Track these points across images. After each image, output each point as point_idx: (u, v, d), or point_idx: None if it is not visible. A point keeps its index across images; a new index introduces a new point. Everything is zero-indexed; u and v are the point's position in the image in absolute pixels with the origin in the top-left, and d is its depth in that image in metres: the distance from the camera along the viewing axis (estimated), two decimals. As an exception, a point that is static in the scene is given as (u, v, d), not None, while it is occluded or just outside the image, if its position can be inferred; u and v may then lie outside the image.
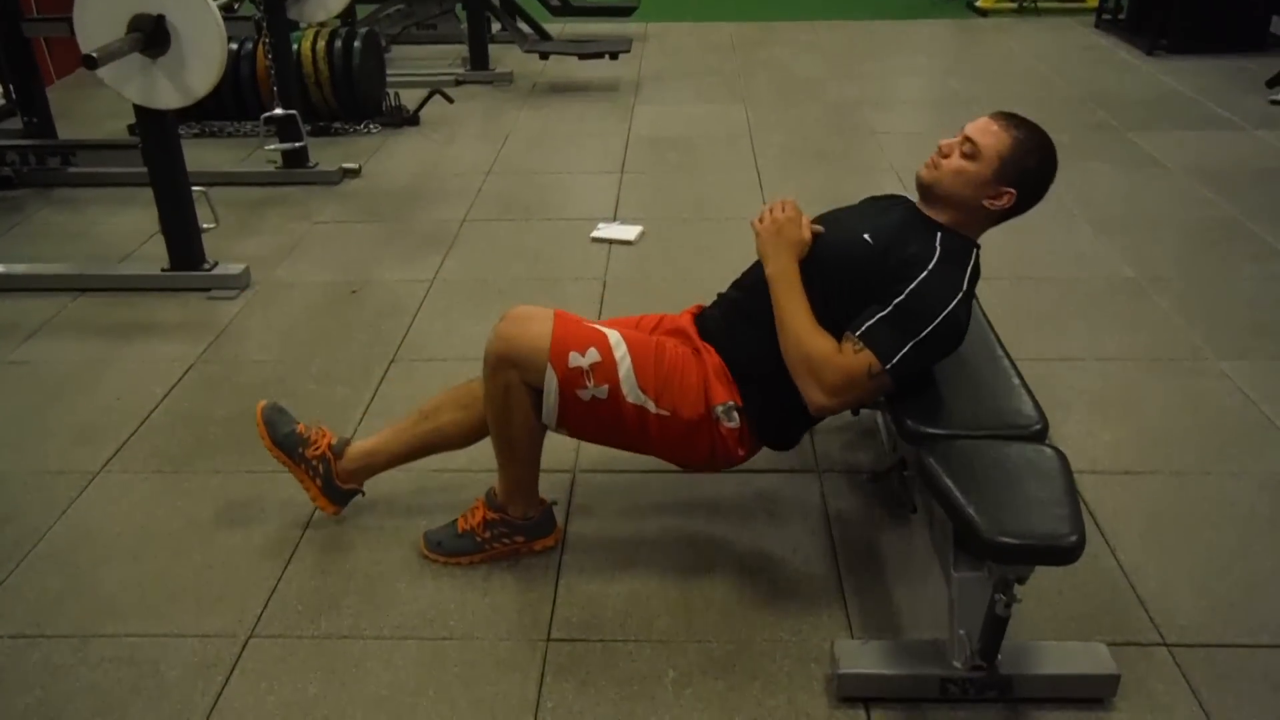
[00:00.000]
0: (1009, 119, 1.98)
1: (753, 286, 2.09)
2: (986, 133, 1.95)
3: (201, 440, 2.68)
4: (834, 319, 1.95)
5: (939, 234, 1.98)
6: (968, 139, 1.97)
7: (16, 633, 2.05)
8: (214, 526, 2.36)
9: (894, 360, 1.87)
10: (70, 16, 3.05)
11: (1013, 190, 1.95)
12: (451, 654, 2.00)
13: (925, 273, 1.91)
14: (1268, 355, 3.05)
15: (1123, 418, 2.75)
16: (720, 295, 2.24)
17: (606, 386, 1.98)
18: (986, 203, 1.97)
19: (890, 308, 1.90)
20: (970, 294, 1.96)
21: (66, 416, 2.80)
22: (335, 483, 2.26)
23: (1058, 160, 1.99)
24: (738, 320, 2.10)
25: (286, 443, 2.24)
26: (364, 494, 2.32)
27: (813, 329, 1.94)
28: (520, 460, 2.13)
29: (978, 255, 2.02)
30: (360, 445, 2.27)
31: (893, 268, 1.93)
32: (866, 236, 2.01)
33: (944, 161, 1.99)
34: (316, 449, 2.25)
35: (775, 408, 2.04)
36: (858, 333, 1.90)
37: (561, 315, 2.03)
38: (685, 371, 2.03)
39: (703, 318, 2.20)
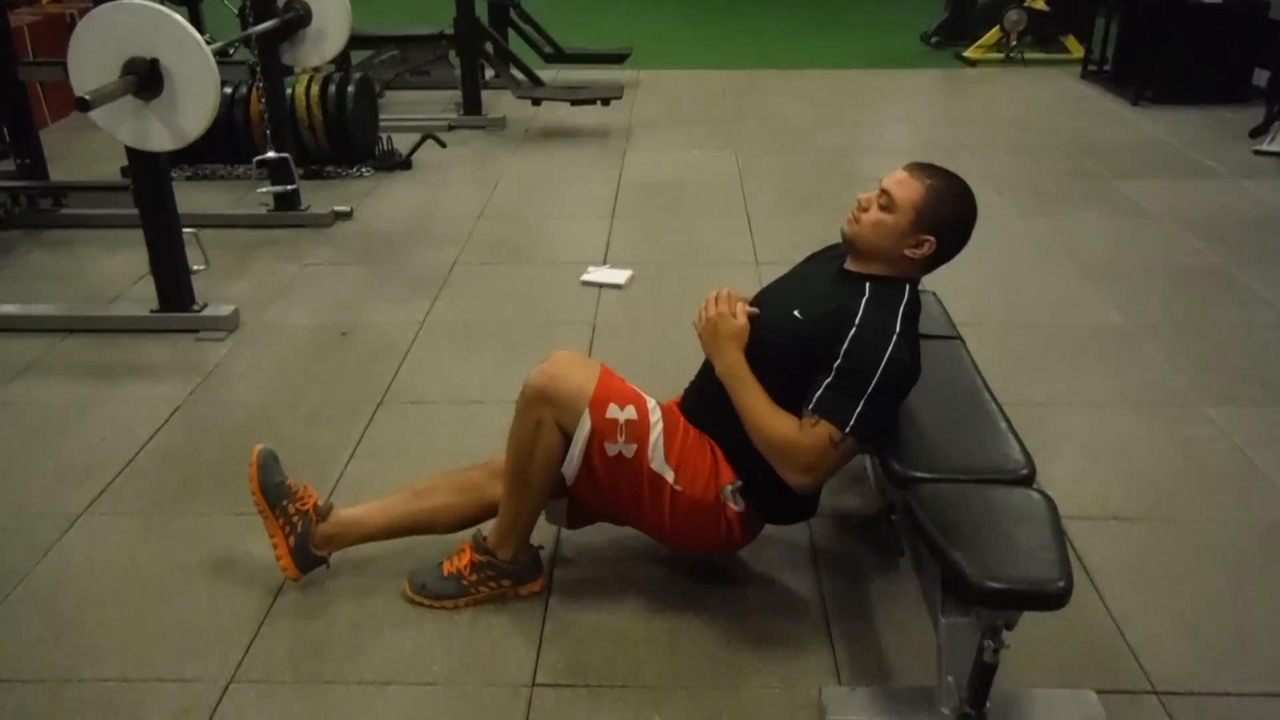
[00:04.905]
0: (923, 169, 2.02)
1: (715, 378, 2.10)
2: (901, 184, 1.99)
3: (187, 482, 2.67)
4: (794, 395, 1.96)
5: (867, 284, 2.01)
6: (884, 192, 2.01)
7: (-7, 677, 2.03)
8: (198, 570, 2.33)
9: (850, 423, 1.88)
10: (65, 61, 3.07)
11: (932, 238, 1.99)
12: (435, 700, 1.97)
13: (855, 329, 1.93)
14: (1254, 402, 3.06)
15: (1110, 463, 2.76)
16: (692, 384, 2.24)
17: (635, 446, 2.01)
18: (908, 252, 2.00)
19: (833, 373, 1.91)
20: (909, 331, 1.96)
21: (51, 458, 2.78)
22: (309, 545, 2.21)
23: (976, 206, 2.02)
24: (716, 408, 2.09)
25: (274, 492, 2.21)
26: (329, 565, 2.28)
27: (771, 417, 1.96)
28: (529, 500, 2.13)
29: (913, 292, 2.03)
30: (345, 512, 2.25)
31: (826, 333, 1.95)
32: (796, 313, 2.04)
33: (863, 215, 2.02)
34: (302, 505, 2.22)
35: (775, 485, 2.02)
36: (810, 406, 1.91)
37: (607, 369, 2.08)
38: (701, 453, 2.07)
39: (686, 408, 2.19)
